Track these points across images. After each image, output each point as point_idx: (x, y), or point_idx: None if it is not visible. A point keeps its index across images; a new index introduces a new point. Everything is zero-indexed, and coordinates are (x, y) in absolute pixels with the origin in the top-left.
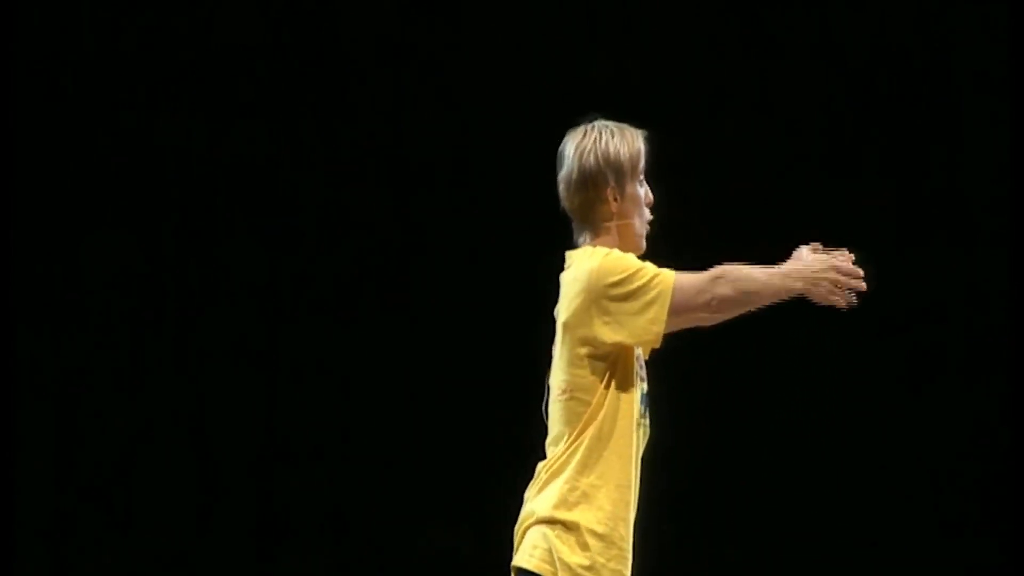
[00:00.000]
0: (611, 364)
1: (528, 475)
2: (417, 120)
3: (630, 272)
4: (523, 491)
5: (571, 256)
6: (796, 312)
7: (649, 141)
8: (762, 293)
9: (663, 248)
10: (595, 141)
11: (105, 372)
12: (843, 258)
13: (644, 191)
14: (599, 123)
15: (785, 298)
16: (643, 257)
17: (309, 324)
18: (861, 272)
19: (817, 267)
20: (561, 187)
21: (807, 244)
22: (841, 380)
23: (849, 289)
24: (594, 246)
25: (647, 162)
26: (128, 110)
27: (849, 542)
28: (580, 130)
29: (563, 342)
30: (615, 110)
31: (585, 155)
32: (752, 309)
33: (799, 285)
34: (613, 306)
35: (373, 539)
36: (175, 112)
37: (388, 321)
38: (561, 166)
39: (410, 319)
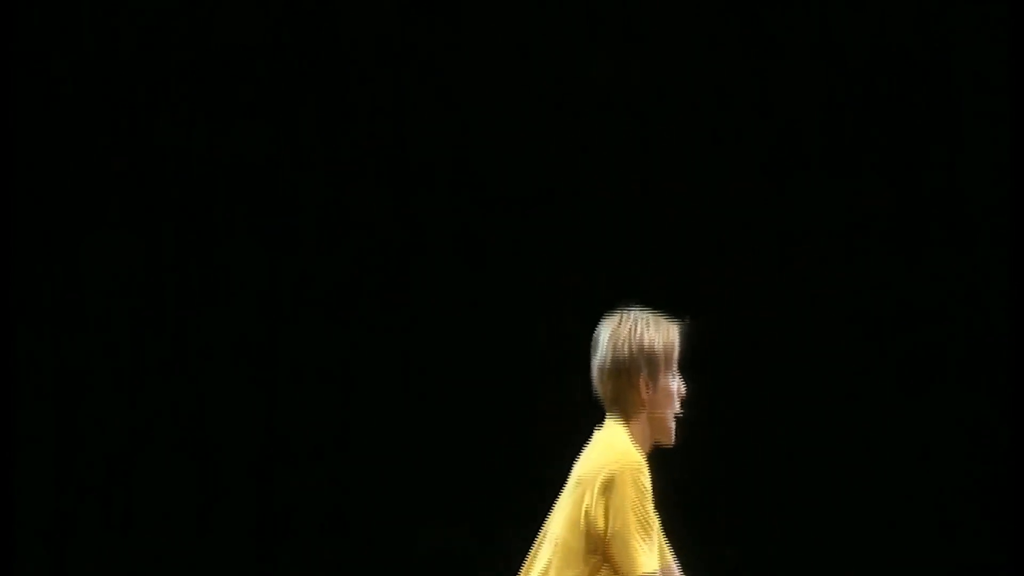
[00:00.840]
0: (603, 559)
1: (528, 474)
2: (417, 120)
3: (650, 509)
4: (522, 491)
5: (612, 425)
6: (796, 312)
7: (684, 333)
8: None
9: (663, 248)
10: (631, 330)
11: (105, 372)
12: None
13: (677, 384)
14: (635, 312)
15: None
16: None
17: (309, 324)
18: None
19: None
20: (594, 373)
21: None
22: (841, 380)
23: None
24: (626, 429)
25: (681, 353)
26: (128, 110)
27: (849, 542)
28: (616, 317)
29: (571, 495)
30: (615, 110)
31: (620, 344)
32: None
33: None
34: (626, 508)
35: (373, 539)
36: (175, 112)
37: (388, 321)
38: (595, 352)
39: (410, 319)
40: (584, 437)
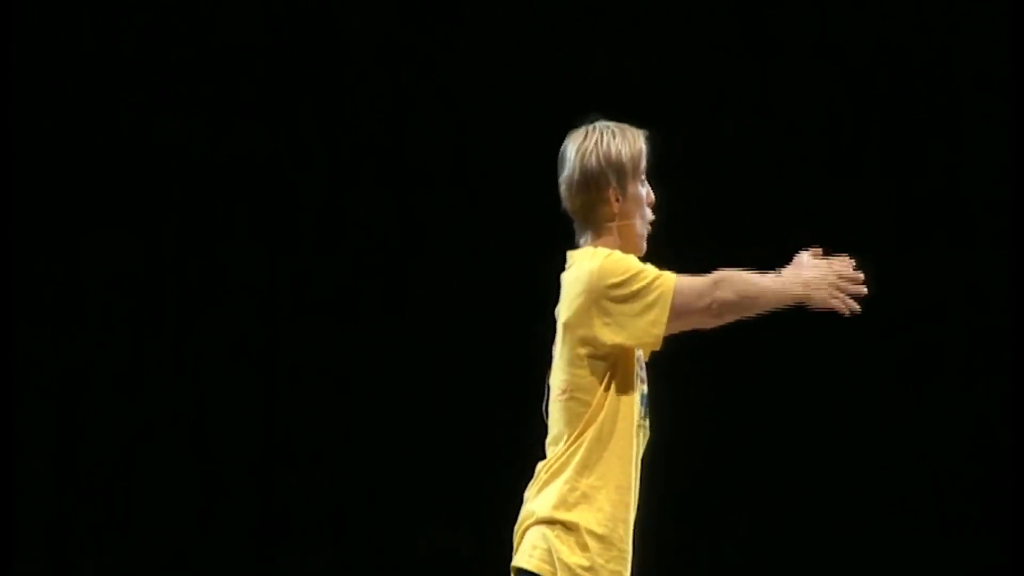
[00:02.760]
0: (611, 365)
1: (528, 475)
2: (417, 120)
3: (631, 274)
4: (523, 491)
5: (572, 256)
6: (796, 312)
7: (651, 141)
8: (763, 299)
9: (664, 248)
10: (596, 142)
11: (105, 372)
12: (843, 263)
13: (646, 191)
14: (600, 124)
15: (787, 304)
16: (645, 258)
17: (309, 324)
18: (861, 276)
19: (817, 273)
20: (563, 188)
21: (807, 249)
22: (841, 380)
23: (850, 294)
24: (595, 247)
25: (649, 162)
26: (128, 110)
27: (849, 542)
28: (581, 131)
29: (563, 342)
30: (615, 110)
31: (586, 156)
32: (753, 314)
33: (800, 291)
34: (614, 307)
35: (373, 539)
36: (175, 112)
37: (388, 321)
38: (562, 168)
39: (410, 319)
40: None
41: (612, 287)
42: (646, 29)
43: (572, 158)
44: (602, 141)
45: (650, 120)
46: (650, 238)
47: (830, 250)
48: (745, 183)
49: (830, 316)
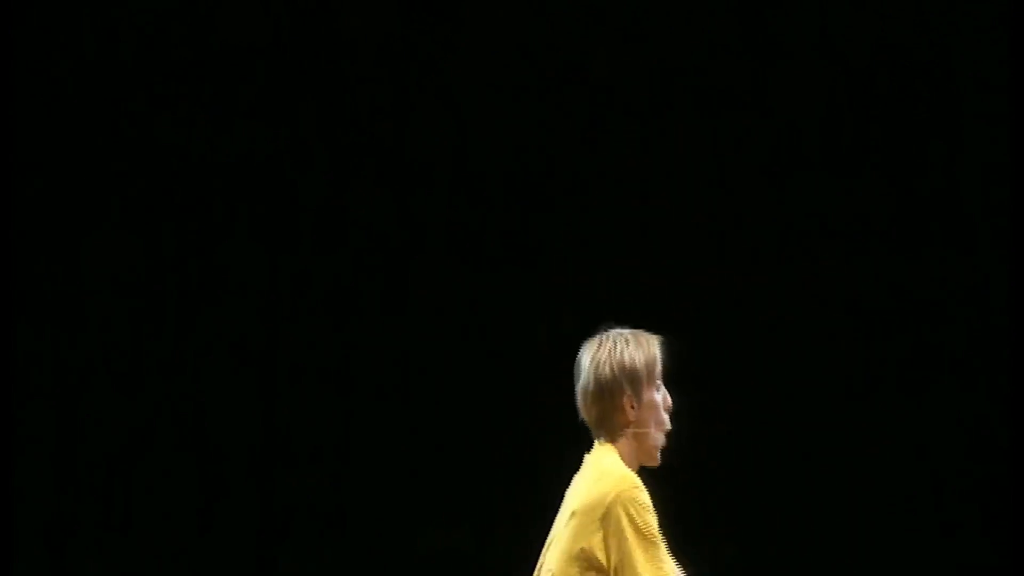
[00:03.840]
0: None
1: (528, 474)
2: (417, 120)
3: (654, 527)
4: (522, 492)
5: (602, 448)
6: (796, 311)
7: (665, 346)
8: None
9: (664, 249)
10: (610, 351)
11: (105, 372)
12: None
13: (662, 396)
14: (613, 332)
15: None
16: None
17: (309, 324)
18: None
19: None
20: (579, 398)
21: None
22: (841, 380)
23: None
24: (612, 446)
25: (664, 367)
26: (128, 110)
27: (849, 542)
28: (595, 340)
29: (567, 526)
30: (615, 110)
31: (600, 366)
32: None
33: None
34: (628, 535)
35: (373, 539)
36: (175, 112)
37: (388, 321)
38: (578, 377)
39: (410, 319)
40: (584, 438)
41: (633, 516)
42: (646, 29)
43: (587, 368)
44: (616, 350)
45: (650, 120)
46: (664, 451)
47: (830, 244)
48: (745, 183)
49: (830, 313)
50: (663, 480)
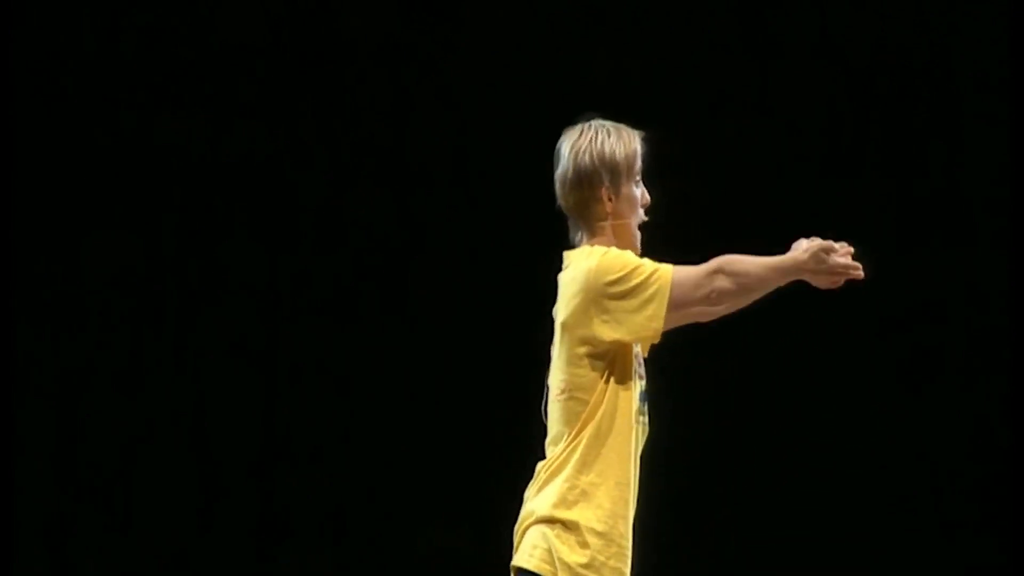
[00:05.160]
0: (609, 362)
1: (528, 475)
2: (417, 120)
3: (628, 269)
4: (523, 491)
5: (568, 256)
6: (796, 311)
7: (647, 141)
8: (761, 284)
9: (664, 250)
10: (591, 140)
11: (105, 372)
12: (842, 251)
13: (640, 192)
14: (596, 122)
15: (784, 284)
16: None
17: (309, 324)
18: (858, 265)
19: (814, 263)
20: (557, 185)
21: (807, 238)
22: (841, 380)
23: (847, 279)
24: (591, 245)
25: (644, 163)
26: (128, 110)
27: (849, 542)
28: (576, 129)
29: (562, 341)
30: (615, 110)
31: (580, 154)
32: (751, 301)
33: (797, 274)
34: (612, 304)
35: (373, 539)
36: (175, 112)
37: (388, 321)
38: (557, 164)
39: (410, 319)
40: None
41: (610, 284)
42: (646, 29)
43: (566, 155)
44: (596, 139)
45: (650, 120)
46: (643, 239)
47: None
48: (745, 183)
49: (830, 312)
50: (663, 480)
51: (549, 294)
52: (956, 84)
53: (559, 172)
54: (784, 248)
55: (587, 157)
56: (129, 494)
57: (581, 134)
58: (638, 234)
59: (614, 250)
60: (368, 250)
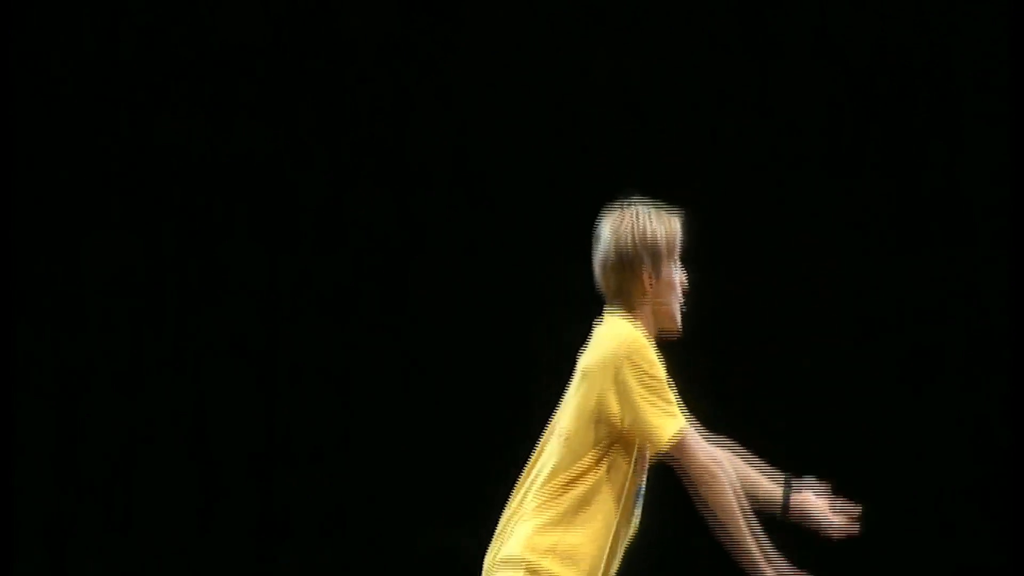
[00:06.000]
0: (614, 436)
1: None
2: (417, 120)
3: (659, 377)
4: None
5: (610, 317)
6: (796, 311)
7: (685, 223)
8: (727, 528)
9: None
10: (632, 223)
11: (105, 372)
12: (846, 518)
13: (679, 273)
14: (636, 203)
15: (743, 557)
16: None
17: (309, 324)
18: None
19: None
20: (597, 268)
21: (820, 484)
22: (841, 379)
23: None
24: (629, 318)
25: (684, 244)
26: (128, 110)
27: (849, 542)
28: (616, 210)
29: (578, 388)
30: (615, 110)
31: (622, 236)
32: (714, 525)
33: (755, 566)
34: (633, 386)
35: (373, 539)
36: (175, 112)
37: (388, 321)
38: (597, 247)
39: (410, 319)
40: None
41: (640, 369)
42: (646, 29)
43: (608, 237)
44: (638, 222)
45: (650, 120)
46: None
47: (829, 244)
48: (745, 183)
49: (830, 312)
50: (663, 480)
51: (549, 294)
52: (956, 84)
53: (600, 255)
54: (785, 250)
55: (629, 239)
56: (129, 494)
57: (622, 216)
58: (678, 316)
59: (653, 351)
60: (368, 250)
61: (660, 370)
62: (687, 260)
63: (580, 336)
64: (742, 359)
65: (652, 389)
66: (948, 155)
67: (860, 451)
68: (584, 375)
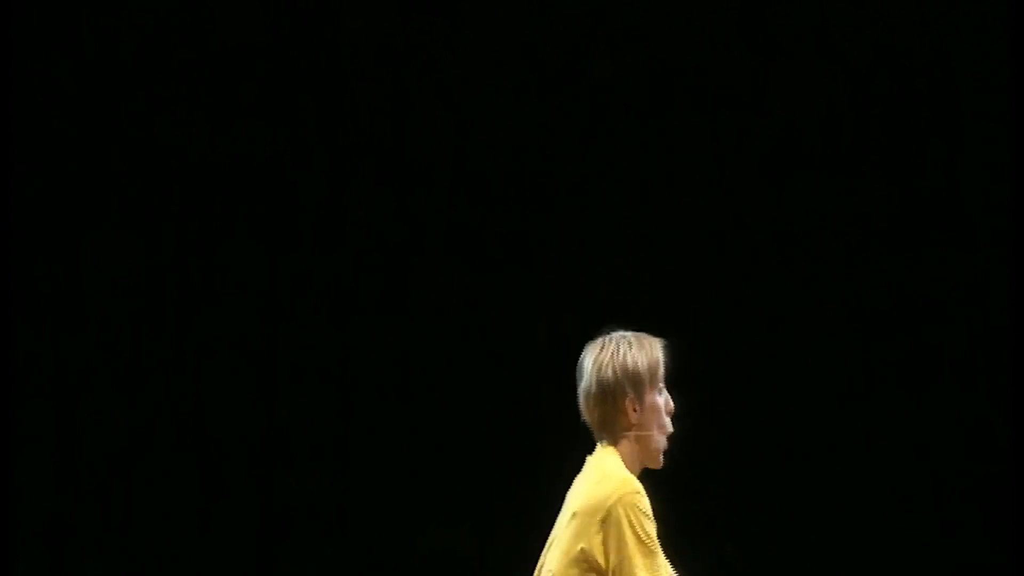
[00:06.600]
0: None
1: (529, 475)
2: (417, 120)
3: (652, 534)
4: (522, 492)
5: (604, 452)
6: (796, 311)
7: (668, 349)
8: None
9: (664, 247)
10: (612, 354)
11: (105, 372)
12: None
13: (664, 399)
14: (616, 334)
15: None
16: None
17: (309, 324)
18: None
19: None
20: (581, 400)
21: None
22: (841, 380)
23: None
24: (616, 451)
25: (667, 370)
26: (128, 110)
27: (849, 542)
28: (598, 343)
29: (566, 528)
30: (615, 110)
31: (603, 368)
32: None
33: None
34: (627, 538)
35: (373, 539)
36: (175, 112)
37: (388, 321)
38: (580, 379)
39: (410, 319)
40: (585, 439)
41: (631, 521)
42: (646, 29)
43: (589, 370)
44: (618, 352)
45: (650, 120)
46: (667, 453)
47: (829, 245)
48: (745, 183)
49: (830, 312)
50: (664, 481)
51: (549, 294)
52: (956, 84)
53: (582, 387)
54: (785, 250)
55: (609, 371)
56: (129, 494)
57: (603, 348)
58: (662, 447)
59: (645, 502)
60: (368, 250)
61: (652, 526)
62: (671, 384)
63: (581, 335)
64: (741, 359)
65: (643, 547)
66: (948, 155)
67: (860, 451)
68: (574, 516)
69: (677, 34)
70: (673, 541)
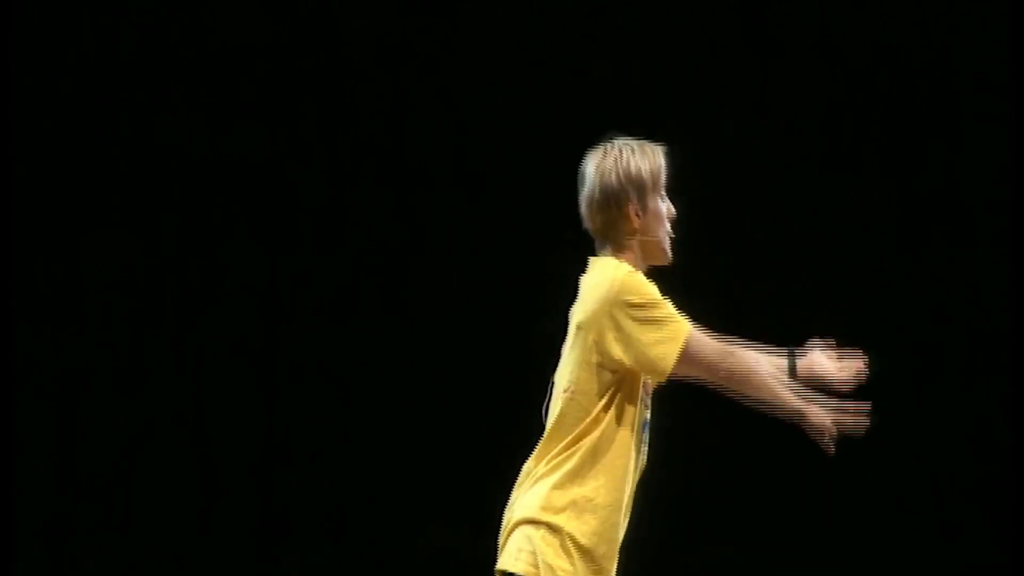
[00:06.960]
0: (618, 379)
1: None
2: (417, 120)
3: (651, 300)
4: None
5: (594, 262)
6: (796, 311)
7: (669, 156)
8: (763, 394)
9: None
10: (616, 159)
11: (105, 372)
12: (851, 371)
13: (666, 206)
14: (619, 141)
15: (781, 409)
16: (663, 274)
17: (309, 324)
18: (863, 409)
19: (821, 414)
20: (583, 207)
21: (822, 343)
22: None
23: (841, 433)
24: (619, 259)
25: (668, 177)
26: (128, 110)
27: (849, 542)
28: (600, 149)
29: (574, 343)
30: (615, 110)
31: (606, 174)
32: (749, 398)
33: (800, 408)
34: (627, 325)
35: (373, 539)
36: (175, 112)
37: (388, 321)
38: (582, 186)
39: (410, 319)
40: None
41: (631, 305)
42: (646, 29)
43: (591, 176)
44: (621, 158)
45: (650, 120)
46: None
47: (829, 247)
48: (745, 183)
49: (830, 312)
50: (664, 481)
51: (549, 294)
52: (956, 84)
53: (585, 193)
54: (785, 249)
55: (613, 176)
56: (129, 494)
57: (605, 154)
58: (668, 248)
59: (640, 275)
60: (368, 250)
61: (651, 291)
62: (672, 193)
63: None
64: None
65: (647, 320)
66: (948, 155)
67: (860, 451)
68: (579, 328)
69: (677, 34)
70: (673, 541)
